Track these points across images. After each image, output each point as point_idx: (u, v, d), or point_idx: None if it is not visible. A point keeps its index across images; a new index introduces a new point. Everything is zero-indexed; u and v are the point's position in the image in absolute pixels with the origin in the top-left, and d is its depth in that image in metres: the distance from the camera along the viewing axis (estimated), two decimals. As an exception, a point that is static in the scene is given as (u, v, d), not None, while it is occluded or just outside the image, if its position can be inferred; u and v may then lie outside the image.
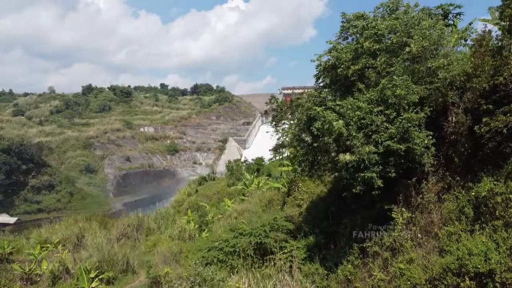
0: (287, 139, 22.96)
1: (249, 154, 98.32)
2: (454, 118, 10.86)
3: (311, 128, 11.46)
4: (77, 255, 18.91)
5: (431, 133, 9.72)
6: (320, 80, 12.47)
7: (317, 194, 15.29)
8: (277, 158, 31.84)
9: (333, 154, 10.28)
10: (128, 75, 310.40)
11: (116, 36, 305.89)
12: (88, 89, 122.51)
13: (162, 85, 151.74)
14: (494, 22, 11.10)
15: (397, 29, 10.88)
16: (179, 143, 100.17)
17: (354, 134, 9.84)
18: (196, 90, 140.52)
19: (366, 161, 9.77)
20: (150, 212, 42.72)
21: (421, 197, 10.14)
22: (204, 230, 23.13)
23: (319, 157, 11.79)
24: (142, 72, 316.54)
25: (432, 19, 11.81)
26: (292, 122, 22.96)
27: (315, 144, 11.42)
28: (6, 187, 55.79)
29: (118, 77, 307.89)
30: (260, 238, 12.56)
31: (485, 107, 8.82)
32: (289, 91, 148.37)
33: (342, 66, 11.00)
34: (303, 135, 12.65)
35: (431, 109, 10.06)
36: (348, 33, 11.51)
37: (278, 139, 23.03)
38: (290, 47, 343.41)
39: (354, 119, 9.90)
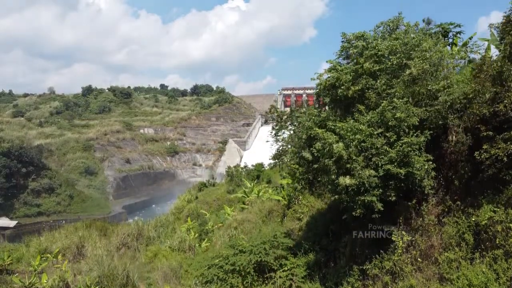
0: (287, 148, 23.00)
1: (249, 155, 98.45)
2: (454, 137, 10.87)
3: (311, 148, 11.48)
4: (77, 266, 18.88)
5: (431, 158, 9.71)
6: (321, 97, 12.47)
7: (317, 209, 15.29)
8: (277, 166, 31.93)
9: (333, 176, 10.27)
10: (128, 75, 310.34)
11: (117, 36, 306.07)
12: (88, 90, 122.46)
13: (162, 85, 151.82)
14: (495, 43, 11.10)
15: (397, 50, 10.88)
16: (179, 144, 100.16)
17: (354, 157, 9.84)
18: (196, 90, 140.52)
19: (366, 184, 9.77)
20: (149, 219, 42.78)
21: (421, 220, 10.15)
22: (204, 240, 23.13)
23: (319, 177, 11.80)
24: (142, 72, 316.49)
25: (432, 38, 11.82)
26: (292, 132, 23.02)
27: (315, 166, 11.43)
28: (6, 190, 55.74)
29: (118, 77, 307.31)
30: (260, 256, 12.55)
31: (485, 133, 8.81)
32: (289, 92, 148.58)
33: (342, 87, 10.99)
34: (303, 153, 12.65)
35: (431, 132, 10.06)
36: (348, 53, 11.49)
37: (278, 149, 23.01)
38: (290, 47, 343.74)
39: (354, 142, 9.90)
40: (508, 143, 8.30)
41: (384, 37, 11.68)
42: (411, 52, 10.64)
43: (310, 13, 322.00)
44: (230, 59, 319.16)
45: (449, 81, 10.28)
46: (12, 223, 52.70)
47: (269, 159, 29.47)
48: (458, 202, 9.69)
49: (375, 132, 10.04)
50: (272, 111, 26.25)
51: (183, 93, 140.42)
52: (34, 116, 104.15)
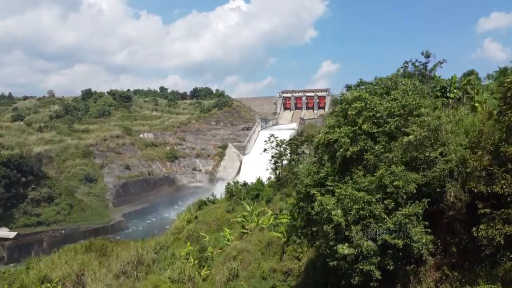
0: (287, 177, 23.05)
1: (249, 160, 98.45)
2: (452, 193, 10.94)
3: (311, 205, 11.55)
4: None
5: (429, 230, 9.76)
6: (319, 152, 12.52)
7: (315, 252, 15.32)
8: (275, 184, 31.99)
9: (331, 243, 10.35)
10: (128, 76, 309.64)
11: (117, 37, 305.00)
12: (88, 94, 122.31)
13: (162, 88, 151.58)
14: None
15: (395, 113, 10.94)
16: (179, 149, 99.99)
17: (353, 227, 9.92)
18: (196, 93, 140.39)
19: (365, 252, 9.85)
20: (148, 232, 42.78)
21: (419, 287, 10.22)
22: (204, 267, 23.23)
23: (319, 232, 11.85)
24: (142, 73, 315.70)
25: (430, 95, 11.88)
26: (291, 161, 23.09)
27: (315, 217, 11.47)
28: (5, 201, 55.71)
29: (119, 78, 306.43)
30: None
31: (482, 211, 8.87)
32: (289, 94, 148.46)
33: (341, 149, 11.04)
34: (301, 203, 12.71)
35: (428, 200, 10.13)
36: (347, 113, 11.53)
37: (278, 176, 23.10)
38: (291, 47, 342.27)
39: (352, 212, 9.97)
40: (506, 225, 8.37)
41: (382, 96, 11.73)
42: (409, 118, 10.70)
43: (311, 14, 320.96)
44: (231, 60, 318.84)
45: (446, 148, 10.35)
46: (12, 234, 52.78)
47: (269, 186, 29.33)
48: (456, 273, 9.76)
49: (373, 199, 10.11)
50: (271, 140, 26.23)
51: (183, 96, 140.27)
52: (34, 120, 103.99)
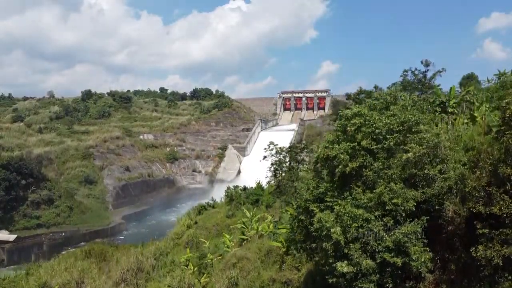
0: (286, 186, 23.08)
1: (249, 162, 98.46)
2: (451, 208, 10.96)
3: (310, 220, 11.57)
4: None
5: (428, 249, 9.77)
6: (318, 166, 12.54)
7: (315, 263, 15.34)
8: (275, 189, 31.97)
9: (330, 260, 10.37)
10: (128, 76, 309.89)
11: (118, 37, 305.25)
12: (88, 95, 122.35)
13: (162, 89, 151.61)
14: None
15: (394, 130, 10.96)
16: (179, 150, 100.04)
17: (352, 245, 9.95)
18: (196, 94, 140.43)
19: (364, 270, 9.88)
20: (148, 232, 42.83)
21: (418, 305, 10.25)
22: (203, 274, 23.25)
23: (318, 248, 11.87)
24: (142, 73, 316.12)
25: (429, 110, 11.91)
26: (291, 169, 23.14)
27: (314, 233, 11.50)
28: (5, 203, 55.73)
29: (119, 78, 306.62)
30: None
31: (481, 231, 8.90)
32: (289, 95, 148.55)
33: (340, 165, 11.06)
34: (301, 217, 12.73)
35: (427, 218, 10.15)
36: (346, 129, 11.55)
37: (278, 185, 23.15)
38: (291, 47, 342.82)
39: (352, 230, 9.99)
40: (504, 246, 8.39)
41: (381, 112, 11.74)
42: (408, 135, 10.73)
43: (311, 14, 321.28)
44: (231, 60, 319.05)
45: (445, 165, 10.37)
46: (12, 237, 52.82)
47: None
48: (454, 292, 9.79)
49: (373, 217, 10.14)
50: (271, 148, 26.28)
51: (183, 97, 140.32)
52: (34, 121, 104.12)
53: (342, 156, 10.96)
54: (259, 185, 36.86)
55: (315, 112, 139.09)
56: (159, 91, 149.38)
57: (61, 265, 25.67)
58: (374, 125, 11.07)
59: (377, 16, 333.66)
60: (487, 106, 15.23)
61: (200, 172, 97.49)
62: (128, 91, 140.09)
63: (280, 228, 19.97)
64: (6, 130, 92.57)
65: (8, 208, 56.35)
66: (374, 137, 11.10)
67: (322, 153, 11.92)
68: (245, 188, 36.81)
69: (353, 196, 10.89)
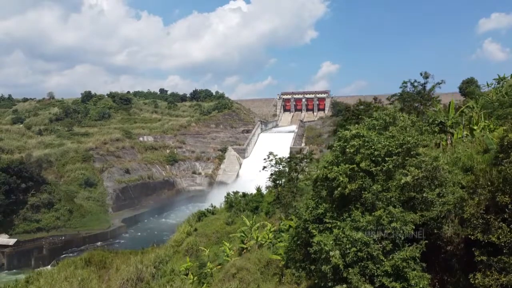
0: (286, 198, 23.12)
1: (249, 163, 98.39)
2: (450, 228, 11.00)
3: (309, 241, 11.60)
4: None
5: (427, 275, 9.80)
6: (318, 185, 12.56)
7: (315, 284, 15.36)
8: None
9: (330, 283, 10.41)
10: (128, 77, 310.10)
11: (118, 38, 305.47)
12: (87, 96, 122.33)
13: (162, 90, 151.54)
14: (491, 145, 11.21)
15: (393, 152, 10.98)
16: (179, 152, 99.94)
17: (350, 270, 9.98)
18: (196, 95, 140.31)
19: (363, 293, 9.91)
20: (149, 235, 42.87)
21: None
22: (203, 284, 23.30)
23: (317, 270, 11.90)
24: (143, 74, 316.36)
25: (428, 131, 11.93)
26: (289, 180, 23.18)
27: (313, 256, 11.54)
28: (5, 207, 55.69)
29: (119, 78, 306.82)
30: None
31: (479, 258, 8.93)
32: (289, 96, 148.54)
33: (339, 187, 11.09)
34: (301, 234, 12.76)
35: (426, 241, 10.19)
36: (345, 151, 11.57)
37: (277, 196, 23.20)
38: (291, 48, 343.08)
39: (350, 254, 10.03)
40: (503, 274, 8.42)
41: (380, 132, 11.77)
42: (407, 158, 10.75)
43: (311, 15, 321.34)
44: (231, 60, 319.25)
45: (444, 189, 10.41)
46: (12, 241, 52.84)
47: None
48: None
49: (371, 240, 10.17)
50: (270, 159, 26.30)
51: (183, 98, 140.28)
52: (34, 122, 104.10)
53: (341, 178, 10.98)
54: (258, 192, 36.92)
55: (315, 113, 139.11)
56: (159, 92, 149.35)
57: (61, 274, 25.69)
58: (373, 147, 11.09)
59: (377, 16, 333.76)
60: (486, 122, 15.26)
61: (200, 174, 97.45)
62: (128, 92, 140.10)
63: (279, 239, 20.01)
64: (6, 132, 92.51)
65: (8, 212, 56.33)
66: (373, 158, 11.12)
67: (322, 173, 11.95)
68: (244, 195, 36.87)
69: (352, 217, 10.93)
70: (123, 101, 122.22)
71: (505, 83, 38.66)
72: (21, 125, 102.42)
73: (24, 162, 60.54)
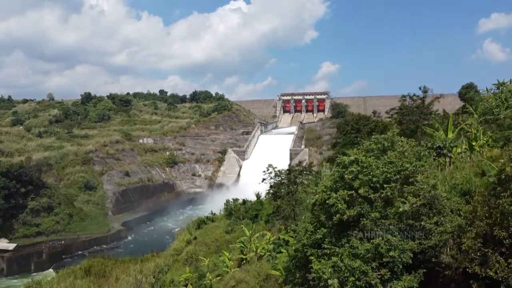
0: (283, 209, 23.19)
1: (248, 165, 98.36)
2: (449, 251, 11.02)
3: (308, 265, 11.63)
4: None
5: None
6: (316, 209, 12.57)
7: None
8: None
9: (328, 311, 10.43)
10: (128, 77, 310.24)
11: (118, 38, 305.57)
12: (87, 98, 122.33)
13: (161, 91, 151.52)
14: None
15: (391, 179, 11.00)
16: (178, 154, 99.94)
17: (348, 300, 10.01)
18: (195, 97, 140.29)
19: (361, 322, 9.95)
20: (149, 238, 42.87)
21: None
22: (202, 296, 23.34)
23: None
24: (143, 74, 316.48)
25: (427, 156, 11.94)
26: (289, 191, 23.21)
27: (312, 283, 11.56)
28: (5, 211, 55.72)
29: (119, 79, 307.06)
30: None
31: (477, 291, 8.96)
32: (288, 97, 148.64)
33: (337, 214, 11.11)
34: (299, 256, 12.78)
35: (424, 270, 10.22)
36: (344, 177, 11.58)
37: (277, 208, 23.24)
38: (291, 48, 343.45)
39: (349, 284, 10.05)
40: (500, 308, 8.45)
41: (377, 157, 11.78)
42: (405, 186, 10.77)
43: (311, 15, 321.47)
44: (231, 61, 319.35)
45: (441, 217, 10.43)
46: (11, 246, 52.84)
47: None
48: None
49: (370, 268, 10.20)
50: (270, 171, 26.34)
51: (182, 100, 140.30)
52: (33, 124, 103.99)
53: (339, 205, 11.01)
54: (258, 199, 36.94)
55: (314, 114, 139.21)
56: (158, 94, 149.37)
57: (61, 285, 25.71)
58: (371, 173, 11.11)
59: (377, 16, 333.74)
60: (485, 139, 15.28)
61: (199, 176, 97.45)
62: (128, 93, 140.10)
63: (277, 251, 20.08)
64: (6, 134, 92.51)
65: (7, 217, 56.32)
66: (372, 185, 11.14)
67: (320, 197, 11.97)
68: (244, 202, 36.88)
69: (350, 244, 10.95)
70: (122, 102, 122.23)
71: (504, 88, 38.72)
72: (21, 127, 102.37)
73: (24, 166, 60.56)
